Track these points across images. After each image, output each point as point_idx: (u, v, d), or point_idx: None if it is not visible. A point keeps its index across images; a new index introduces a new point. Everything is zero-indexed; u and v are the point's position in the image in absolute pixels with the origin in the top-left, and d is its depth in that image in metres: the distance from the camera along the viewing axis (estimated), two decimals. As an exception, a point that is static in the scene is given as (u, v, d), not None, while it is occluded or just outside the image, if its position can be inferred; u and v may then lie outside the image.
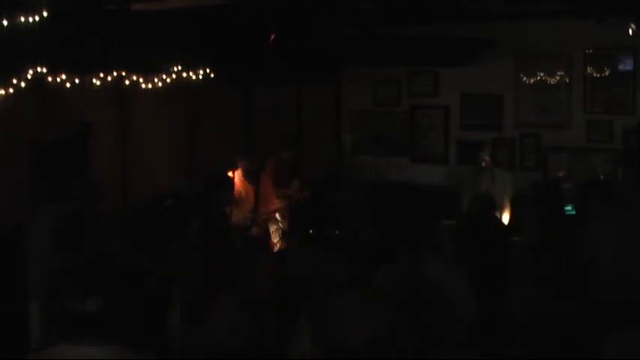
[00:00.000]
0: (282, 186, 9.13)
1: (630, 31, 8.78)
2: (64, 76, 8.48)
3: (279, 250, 8.29)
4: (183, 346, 4.92)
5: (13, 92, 7.83)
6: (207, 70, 9.66)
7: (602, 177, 9.69)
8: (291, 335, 4.45)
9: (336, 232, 8.11)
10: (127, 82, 9.21)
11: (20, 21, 6.72)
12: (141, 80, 9.30)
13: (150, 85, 9.38)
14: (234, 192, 8.27)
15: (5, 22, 6.69)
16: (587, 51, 10.41)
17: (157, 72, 9.34)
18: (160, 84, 9.42)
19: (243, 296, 4.74)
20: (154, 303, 5.22)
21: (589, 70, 10.43)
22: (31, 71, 7.88)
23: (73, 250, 5.54)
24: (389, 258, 5.16)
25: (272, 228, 8.83)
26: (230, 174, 8.55)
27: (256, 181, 8.70)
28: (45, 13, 6.76)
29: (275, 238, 8.74)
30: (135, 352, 3.19)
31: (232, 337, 4.39)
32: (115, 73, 8.90)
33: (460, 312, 4.81)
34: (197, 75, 9.61)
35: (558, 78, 10.65)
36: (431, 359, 4.61)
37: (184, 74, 9.50)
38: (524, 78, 10.87)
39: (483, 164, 9.28)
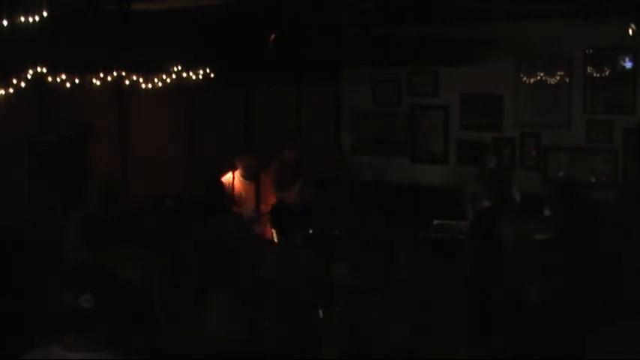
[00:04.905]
0: (284, 186, 9.11)
1: (630, 31, 8.76)
2: (64, 76, 8.49)
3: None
4: (177, 345, 4.92)
5: (13, 92, 7.83)
6: (207, 70, 9.65)
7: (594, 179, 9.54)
8: (321, 335, 4.46)
9: (336, 233, 8.12)
10: (127, 82, 9.21)
11: (20, 21, 6.70)
12: (141, 80, 9.30)
13: (150, 85, 9.38)
14: (234, 193, 8.27)
15: (5, 22, 6.68)
16: (587, 51, 10.41)
17: (157, 72, 9.34)
18: (159, 84, 9.42)
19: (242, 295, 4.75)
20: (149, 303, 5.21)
21: (589, 70, 10.43)
22: (31, 71, 7.88)
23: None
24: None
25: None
26: (229, 174, 8.55)
27: (256, 181, 8.68)
28: (45, 13, 6.74)
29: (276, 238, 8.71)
30: (123, 357, 3.20)
31: (227, 334, 4.40)
32: (115, 73, 8.90)
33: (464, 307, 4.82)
34: (197, 75, 9.60)
35: (558, 78, 10.65)
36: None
37: (184, 74, 9.50)
38: (524, 78, 10.87)
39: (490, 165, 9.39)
